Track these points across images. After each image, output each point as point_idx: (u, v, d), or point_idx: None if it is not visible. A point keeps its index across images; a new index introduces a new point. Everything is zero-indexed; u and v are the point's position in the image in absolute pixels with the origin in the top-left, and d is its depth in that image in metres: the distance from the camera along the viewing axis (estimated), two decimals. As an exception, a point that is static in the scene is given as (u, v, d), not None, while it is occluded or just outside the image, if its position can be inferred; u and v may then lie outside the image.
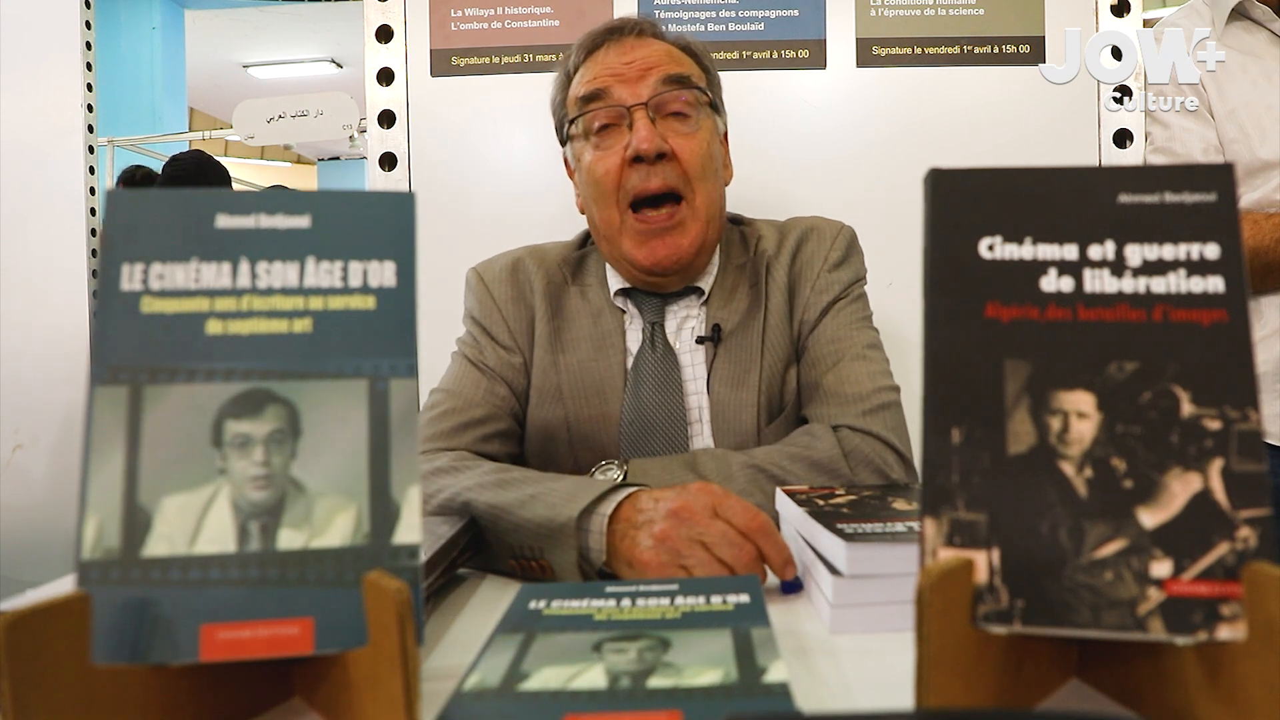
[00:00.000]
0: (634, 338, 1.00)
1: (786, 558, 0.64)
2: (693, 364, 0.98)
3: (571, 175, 1.06)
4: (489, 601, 0.67)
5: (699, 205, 0.96)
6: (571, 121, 0.98)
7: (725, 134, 1.05)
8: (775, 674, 0.41)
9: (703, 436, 0.96)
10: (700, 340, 0.98)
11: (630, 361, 0.98)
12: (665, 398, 0.95)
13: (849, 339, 0.97)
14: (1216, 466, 0.39)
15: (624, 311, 1.01)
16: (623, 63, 0.96)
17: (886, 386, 0.93)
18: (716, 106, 1.02)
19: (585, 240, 1.10)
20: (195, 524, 0.40)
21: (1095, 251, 0.42)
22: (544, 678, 0.42)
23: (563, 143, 1.05)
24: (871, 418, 0.89)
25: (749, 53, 1.43)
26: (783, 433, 0.93)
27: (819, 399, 0.94)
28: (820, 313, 0.99)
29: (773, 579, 0.66)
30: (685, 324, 1.01)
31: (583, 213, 1.05)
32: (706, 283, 1.02)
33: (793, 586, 0.64)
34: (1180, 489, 0.39)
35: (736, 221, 1.09)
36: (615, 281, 1.03)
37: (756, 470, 0.83)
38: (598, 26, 1.02)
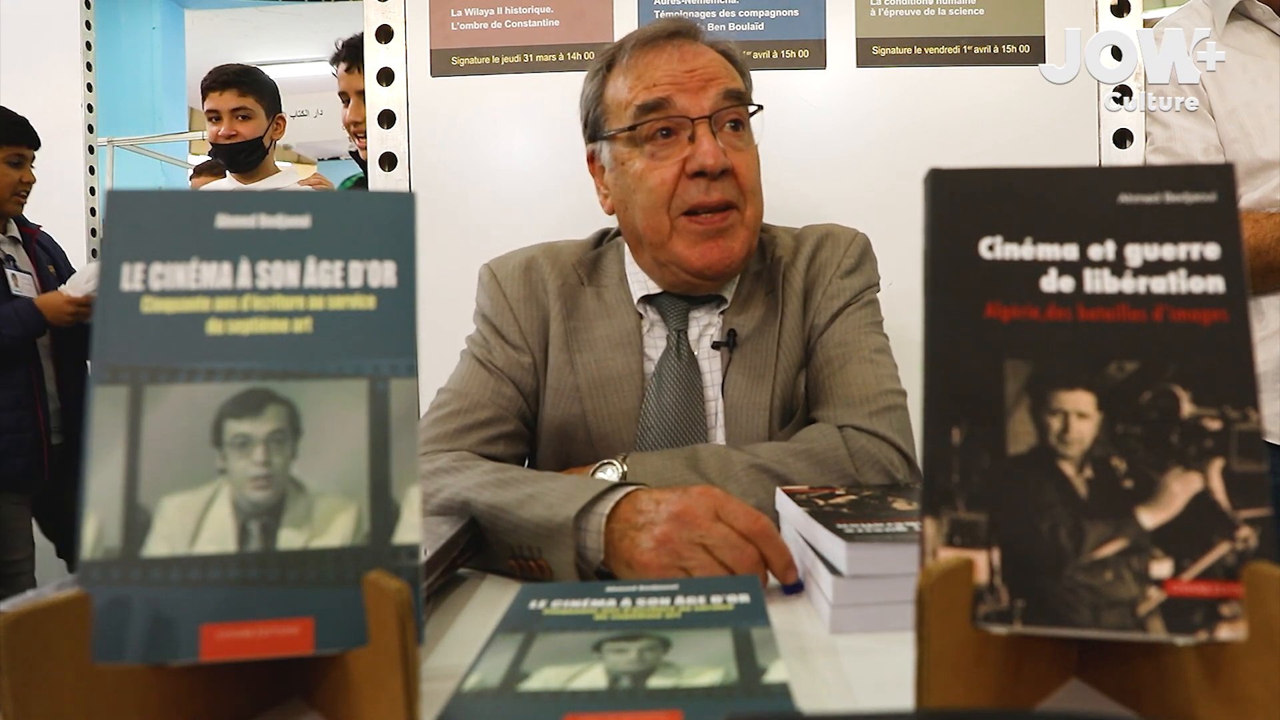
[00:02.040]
0: (651, 342, 1.00)
1: (788, 561, 0.64)
2: (710, 370, 0.98)
3: (595, 173, 1.05)
4: (489, 601, 0.67)
5: (749, 217, 0.96)
6: (630, 129, 0.96)
7: None
8: (775, 674, 0.41)
9: (717, 440, 0.96)
10: (716, 345, 0.98)
11: (650, 366, 0.98)
12: (689, 406, 0.96)
13: (857, 342, 0.97)
14: (1217, 466, 0.39)
15: (641, 316, 1.01)
16: (684, 71, 0.95)
17: (893, 389, 0.93)
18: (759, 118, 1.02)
19: (600, 240, 1.09)
20: (195, 524, 0.40)
21: (1095, 251, 0.42)
22: (544, 678, 0.42)
23: (593, 139, 1.03)
24: (877, 419, 0.89)
25: (749, 53, 1.43)
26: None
27: (825, 400, 0.94)
28: (830, 317, 0.99)
29: (773, 579, 0.66)
30: (706, 331, 1.01)
31: (610, 214, 1.04)
32: (729, 291, 1.02)
33: (793, 587, 0.64)
34: (1180, 489, 0.39)
35: None
36: (639, 288, 1.02)
37: (759, 468, 0.83)
38: (649, 26, 1.00)
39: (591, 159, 1.05)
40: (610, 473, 0.86)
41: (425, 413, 0.97)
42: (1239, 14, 1.36)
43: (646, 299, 1.01)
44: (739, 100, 0.96)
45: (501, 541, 0.73)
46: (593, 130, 1.03)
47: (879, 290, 1.05)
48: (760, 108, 0.99)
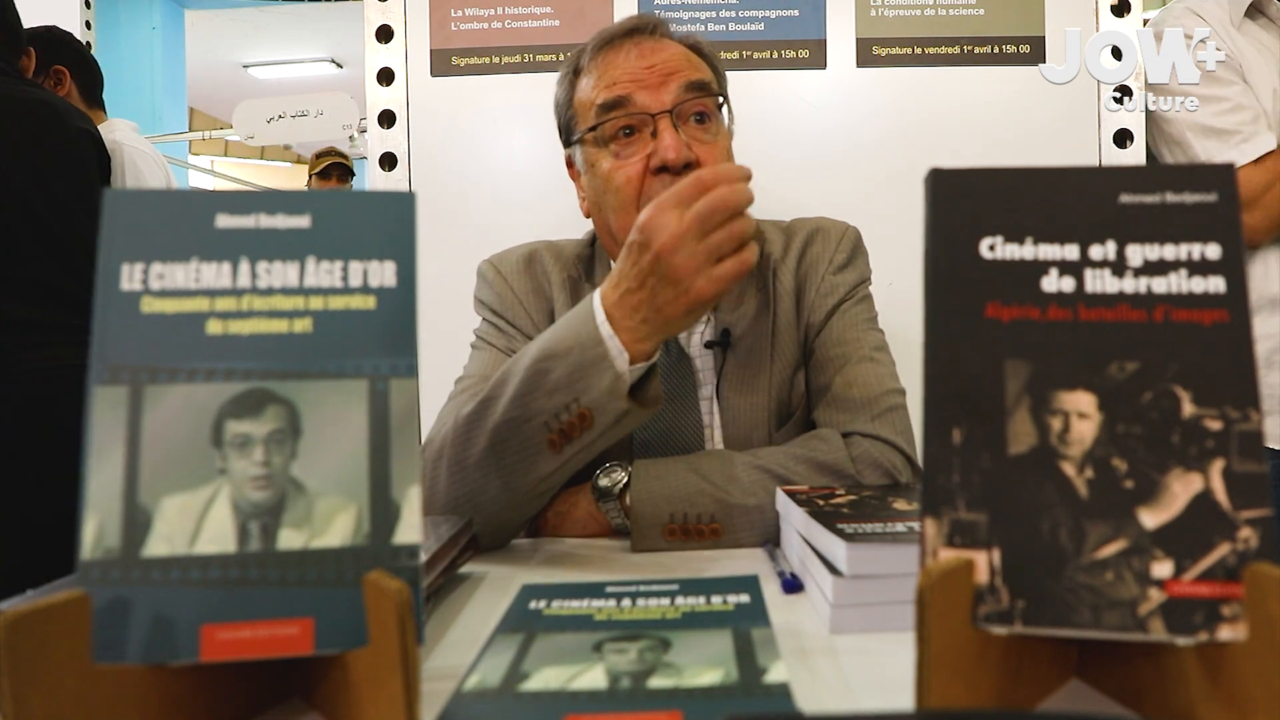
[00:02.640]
0: None
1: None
2: (702, 369, 0.98)
3: (575, 177, 1.05)
4: (489, 601, 0.67)
5: None
6: (592, 129, 0.96)
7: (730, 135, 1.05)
8: (775, 674, 0.42)
9: (714, 442, 0.96)
10: (709, 345, 0.98)
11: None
12: (682, 404, 0.95)
13: (855, 341, 0.96)
14: (1217, 467, 0.39)
15: None
16: (643, 67, 0.94)
17: (893, 389, 0.93)
18: (728, 109, 1.01)
19: (594, 239, 1.09)
20: (195, 524, 0.40)
21: (1096, 251, 0.42)
22: (544, 678, 0.42)
23: (567, 144, 1.03)
24: (879, 422, 0.89)
25: (749, 53, 1.43)
26: (792, 437, 0.93)
27: (827, 403, 0.94)
28: (826, 315, 0.99)
29: (773, 581, 0.66)
30: (695, 327, 1.00)
31: (588, 216, 1.04)
32: None
33: (793, 586, 0.64)
34: (1181, 489, 0.39)
35: None
36: None
37: (761, 470, 0.83)
38: (610, 26, 1.00)
39: (570, 164, 1.05)
40: (618, 474, 0.86)
41: (449, 398, 0.95)
42: (1255, 10, 1.39)
43: None
44: (702, 91, 0.95)
45: (534, 421, 0.75)
46: (566, 135, 1.03)
47: (871, 283, 1.04)
48: (726, 99, 0.98)
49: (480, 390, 0.88)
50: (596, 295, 0.77)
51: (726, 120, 1.00)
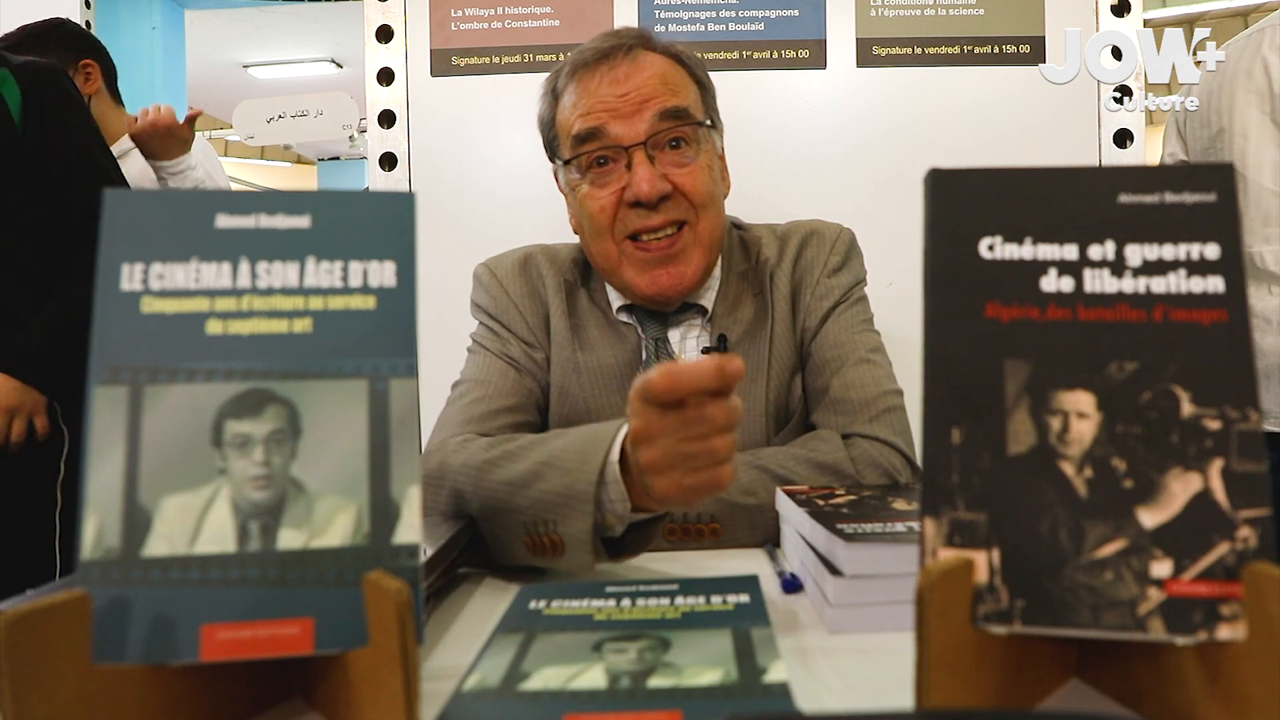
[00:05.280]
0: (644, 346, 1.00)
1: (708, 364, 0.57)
2: None
3: (562, 191, 1.05)
4: (489, 601, 0.67)
5: (701, 232, 0.95)
6: (567, 162, 0.97)
7: (722, 145, 1.04)
8: (775, 674, 0.42)
9: None
10: (706, 351, 0.98)
11: (643, 368, 0.98)
12: None
13: (851, 343, 0.96)
14: (1216, 466, 0.39)
15: (627, 322, 1.01)
16: (616, 95, 0.93)
17: (890, 390, 0.93)
18: (714, 124, 1.00)
19: None
20: (195, 524, 0.40)
21: (1095, 251, 0.42)
22: (544, 678, 0.42)
23: (551, 159, 1.04)
24: (877, 423, 0.89)
25: (749, 53, 1.43)
26: (790, 440, 0.93)
27: (825, 406, 0.94)
28: (821, 318, 0.99)
29: (773, 581, 0.66)
30: (689, 333, 1.00)
31: (576, 232, 1.04)
32: (709, 299, 1.01)
33: (793, 586, 0.64)
34: (1180, 489, 0.39)
35: (736, 226, 1.08)
36: (616, 299, 1.02)
37: (761, 470, 0.83)
38: (585, 47, 0.98)
39: (557, 177, 1.05)
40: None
41: (447, 403, 0.95)
42: None
43: (625, 308, 1.01)
44: (678, 118, 0.93)
45: (516, 516, 0.70)
46: (550, 152, 1.03)
47: (866, 285, 1.04)
48: (702, 121, 0.96)
49: (480, 401, 0.90)
50: (626, 425, 0.67)
51: (713, 133, 0.99)
